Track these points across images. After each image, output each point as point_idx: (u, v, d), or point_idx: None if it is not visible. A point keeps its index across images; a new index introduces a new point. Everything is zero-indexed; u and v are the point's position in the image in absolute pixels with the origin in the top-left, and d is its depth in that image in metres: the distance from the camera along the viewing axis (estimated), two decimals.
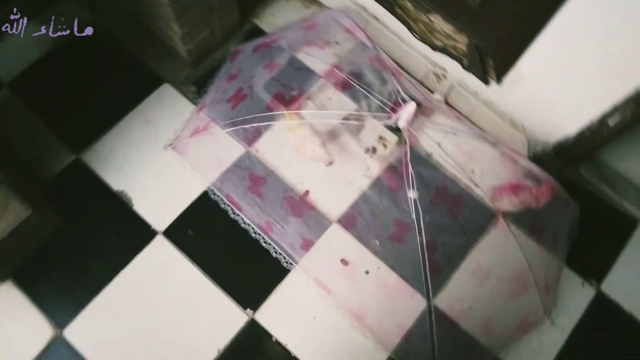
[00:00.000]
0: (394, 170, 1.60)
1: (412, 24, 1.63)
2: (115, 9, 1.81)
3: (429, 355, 1.43)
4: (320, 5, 1.94)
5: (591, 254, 1.68)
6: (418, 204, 1.45)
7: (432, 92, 1.79)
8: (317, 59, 1.72)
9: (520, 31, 1.34)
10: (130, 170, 1.64)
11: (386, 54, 1.76)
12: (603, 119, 1.42)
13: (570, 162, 1.68)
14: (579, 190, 1.76)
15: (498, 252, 1.51)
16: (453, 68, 1.66)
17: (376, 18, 1.76)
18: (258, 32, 1.87)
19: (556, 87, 1.44)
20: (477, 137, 1.59)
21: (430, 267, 1.44)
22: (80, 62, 1.77)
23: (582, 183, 1.77)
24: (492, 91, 1.62)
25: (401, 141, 1.61)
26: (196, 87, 1.76)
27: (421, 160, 1.60)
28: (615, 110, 1.36)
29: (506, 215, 1.54)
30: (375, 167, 1.62)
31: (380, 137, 1.64)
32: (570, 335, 1.57)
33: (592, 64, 1.30)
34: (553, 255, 1.57)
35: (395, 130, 1.61)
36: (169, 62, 1.79)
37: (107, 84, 1.76)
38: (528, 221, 1.53)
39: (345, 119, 1.64)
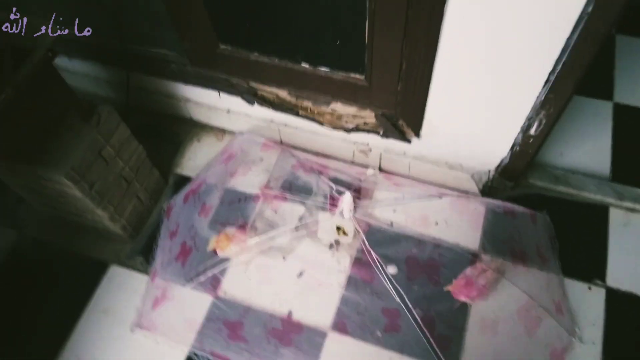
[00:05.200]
0: (359, 262, 1.55)
1: (319, 118, 1.68)
2: (36, 217, 1.79)
3: None
4: (231, 133, 1.98)
5: (581, 255, 1.63)
6: (396, 284, 1.39)
7: (366, 167, 1.81)
8: (246, 185, 1.72)
9: (414, 88, 1.40)
10: None
11: (309, 151, 1.80)
12: (524, 132, 1.45)
13: (518, 178, 1.70)
14: (540, 200, 1.74)
15: (494, 296, 1.45)
16: (373, 140, 1.70)
17: (286, 125, 1.81)
18: (185, 180, 1.87)
19: (468, 121, 1.48)
20: (423, 197, 1.59)
21: (437, 342, 1.36)
22: (16, 280, 1.71)
23: (540, 192, 1.77)
24: (417, 146, 1.65)
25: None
26: (143, 256, 1.71)
27: (382, 241, 1.57)
28: (529, 120, 1.40)
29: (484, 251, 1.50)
30: (345, 259, 1.58)
31: (338, 228, 1.61)
32: (604, 344, 1.48)
33: (486, 90, 1.34)
34: (547, 273, 1.52)
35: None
36: (106, 244, 1.74)
37: (50, 292, 1.68)
38: (507, 251, 1.50)
39: (296, 227, 1.61)
